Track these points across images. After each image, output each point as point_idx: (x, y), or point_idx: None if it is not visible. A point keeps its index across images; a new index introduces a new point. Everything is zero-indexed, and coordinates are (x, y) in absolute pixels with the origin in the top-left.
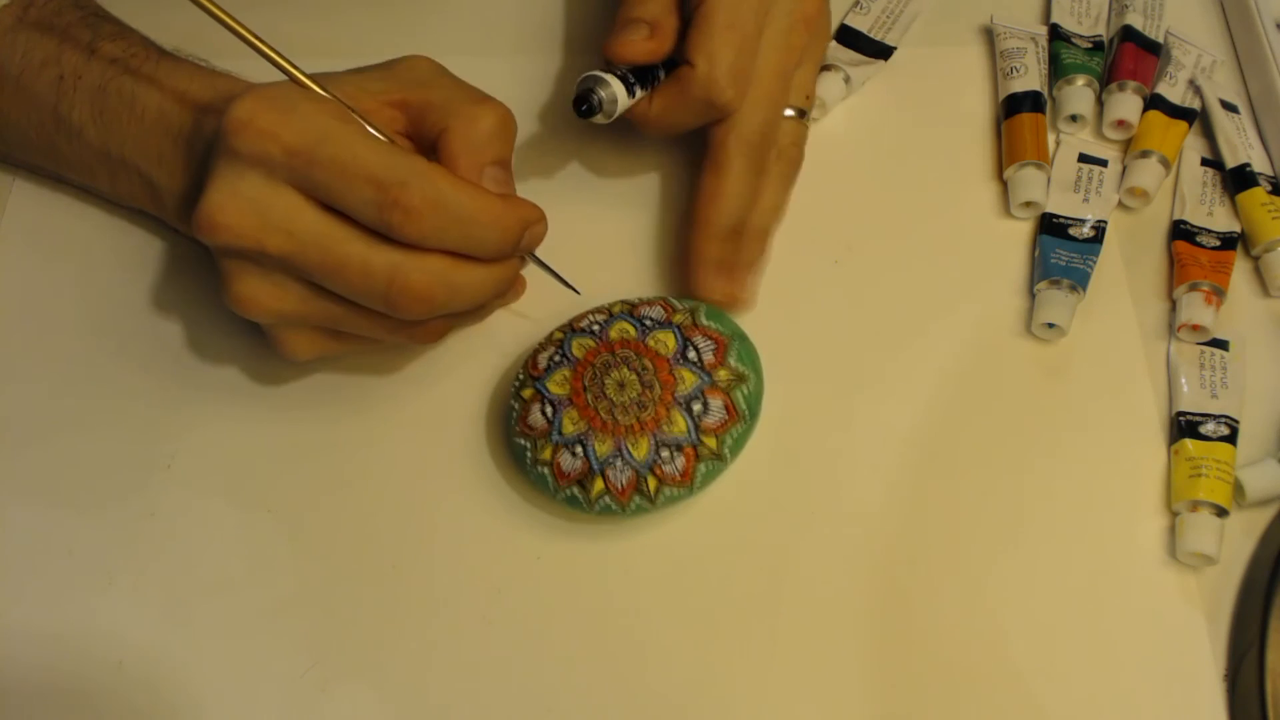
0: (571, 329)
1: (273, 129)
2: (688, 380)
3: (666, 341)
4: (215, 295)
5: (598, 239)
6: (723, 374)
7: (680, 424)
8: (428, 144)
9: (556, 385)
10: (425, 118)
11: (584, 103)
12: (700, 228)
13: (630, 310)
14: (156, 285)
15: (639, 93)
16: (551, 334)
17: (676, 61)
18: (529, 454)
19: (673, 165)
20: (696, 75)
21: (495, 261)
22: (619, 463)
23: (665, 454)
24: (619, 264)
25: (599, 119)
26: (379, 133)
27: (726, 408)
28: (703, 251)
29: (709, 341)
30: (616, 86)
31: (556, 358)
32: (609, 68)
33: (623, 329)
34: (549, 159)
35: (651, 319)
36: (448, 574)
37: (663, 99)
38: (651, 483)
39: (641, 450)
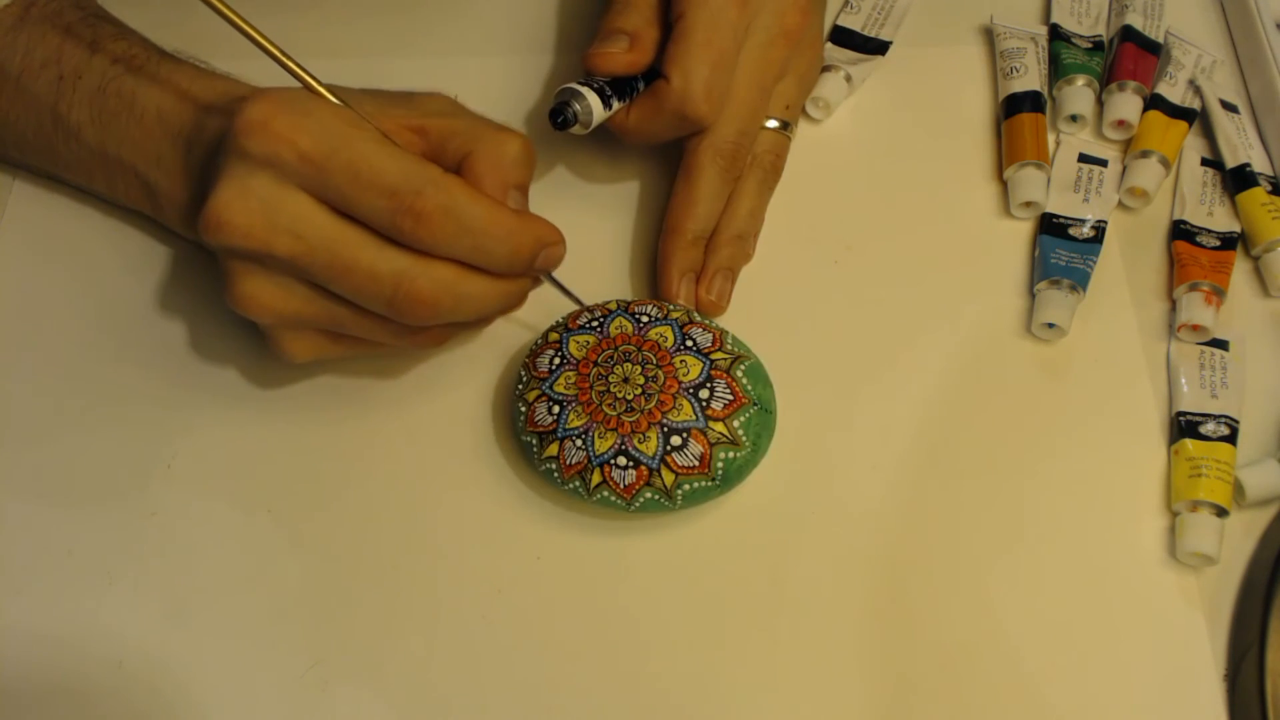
0: (566, 328)
1: (287, 133)
2: (692, 366)
3: (665, 334)
4: (216, 296)
5: (581, 242)
6: (720, 356)
7: (687, 409)
8: (447, 169)
9: (562, 386)
10: (447, 144)
11: (559, 115)
12: (671, 234)
13: (625, 308)
14: (157, 286)
15: (616, 104)
16: (547, 335)
17: (657, 71)
18: (535, 450)
19: (659, 171)
20: (672, 90)
21: (505, 276)
22: (623, 459)
23: (676, 440)
24: (602, 267)
25: (576, 130)
26: (392, 141)
27: (731, 389)
28: (673, 257)
29: (706, 334)
30: (592, 99)
31: (557, 360)
32: (587, 79)
33: (621, 325)
34: (536, 161)
35: (649, 315)
36: (448, 574)
37: (639, 111)
38: (668, 477)
39: (650, 444)
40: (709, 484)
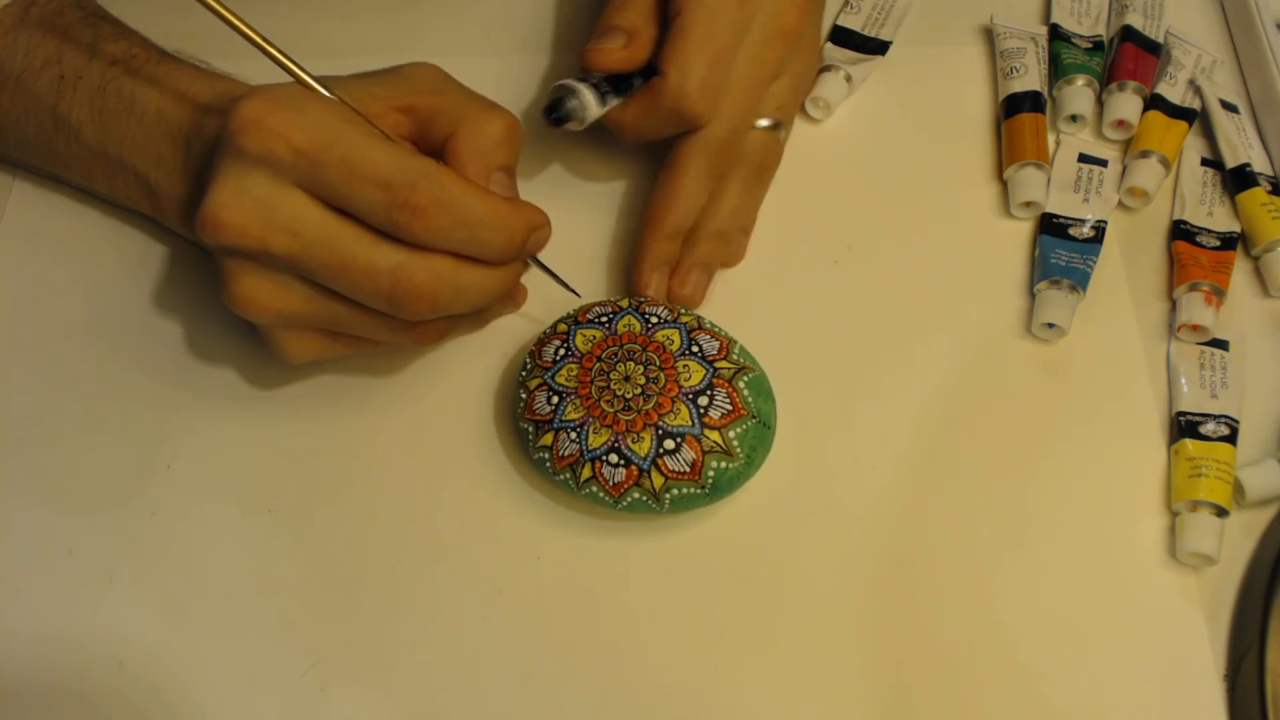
0: (576, 320)
1: (281, 129)
2: (695, 371)
3: (672, 337)
4: (216, 296)
5: (576, 238)
6: (724, 365)
7: (684, 414)
8: (434, 149)
9: (563, 378)
10: (433, 123)
11: (554, 111)
12: (649, 226)
13: (636, 306)
14: (157, 286)
15: (612, 100)
16: (556, 326)
17: (654, 68)
18: (530, 437)
19: (653, 168)
20: (667, 87)
21: (499, 264)
22: (615, 456)
23: (670, 444)
24: (597, 263)
25: (571, 126)
26: (385, 135)
27: (731, 399)
28: (647, 248)
29: (713, 342)
30: (588, 95)
31: (561, 351)
32: (584, 75)
33: (629, 323)
34: (532, 159)
35: (658, 316)
36: (448, 574)
37: (635, 108)
38: (657, 480)
39: (644, 445)
40: (698, 491)
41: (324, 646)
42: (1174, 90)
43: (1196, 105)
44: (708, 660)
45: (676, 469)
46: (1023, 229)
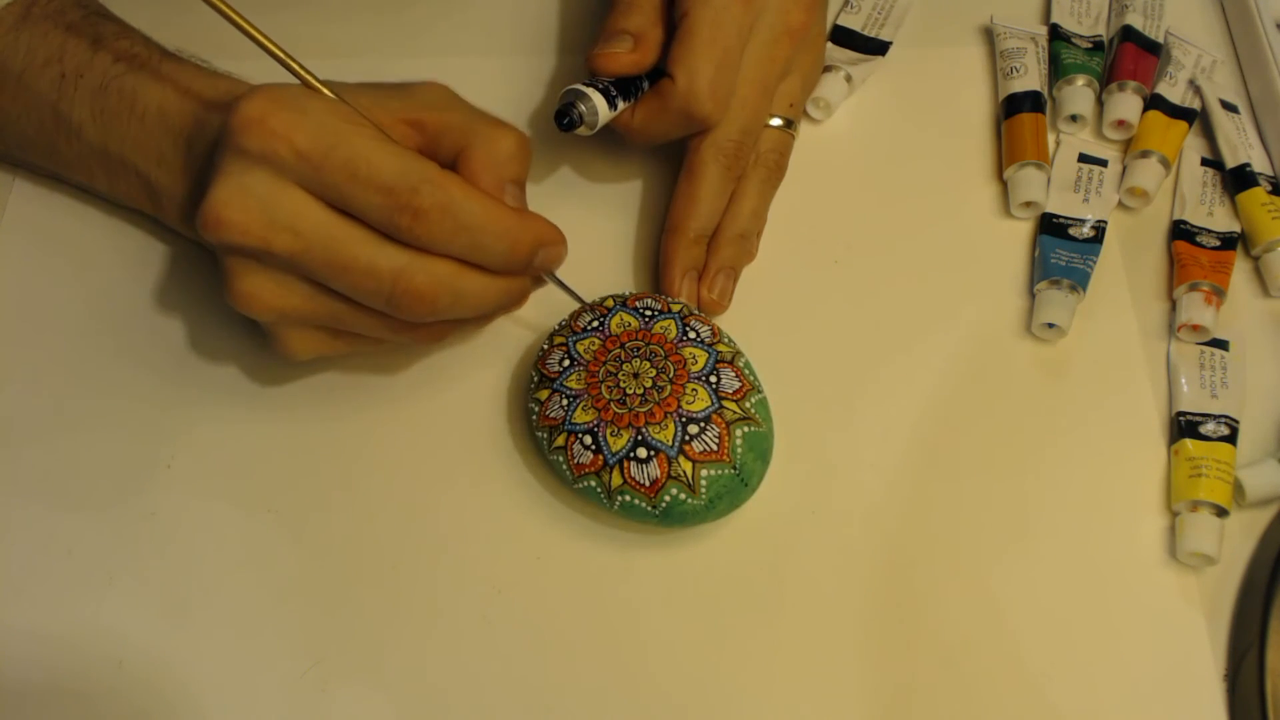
0: (572, 330)
1: (284, 129)
2: (699, 356)
3: (669, 327)
4: (216, 295)
5: (585, 242)
6: (723, 348)
7: (702, 394)
8: (443, 164)
9: (574, 383)
10: (443, 138)
11: (565, 116)
12: (673, 232)
13: (624, 302)
14: (157, 285)
15: (621, 104)
16: (553, 339)
17: (661, 71)
18: (548, 447)
19: (662, 170)
20: (676, 89)
21: (503, 273)
22: (642, 450)
23: (694, 429)
24: (606, 266)
25: (581, 131)
26: (389, 138)
27: (738, 376)
28: (675, 255)
29: (705, 326)
30: (597, 100)
31: (566, 361)
32: (592, 80)
33: (624, 320)
34: (539, 161)
35: (651, 310)
36: (449, 574)
37: (644, 111)
38: (685, 465)
39: (667, 432)
40: (730, 472)
41: (324, 646)
42: (1174, 90)
43: (1196, 105)
44: (708, 660)
45: (703, 449)
46: (1023, 229)
